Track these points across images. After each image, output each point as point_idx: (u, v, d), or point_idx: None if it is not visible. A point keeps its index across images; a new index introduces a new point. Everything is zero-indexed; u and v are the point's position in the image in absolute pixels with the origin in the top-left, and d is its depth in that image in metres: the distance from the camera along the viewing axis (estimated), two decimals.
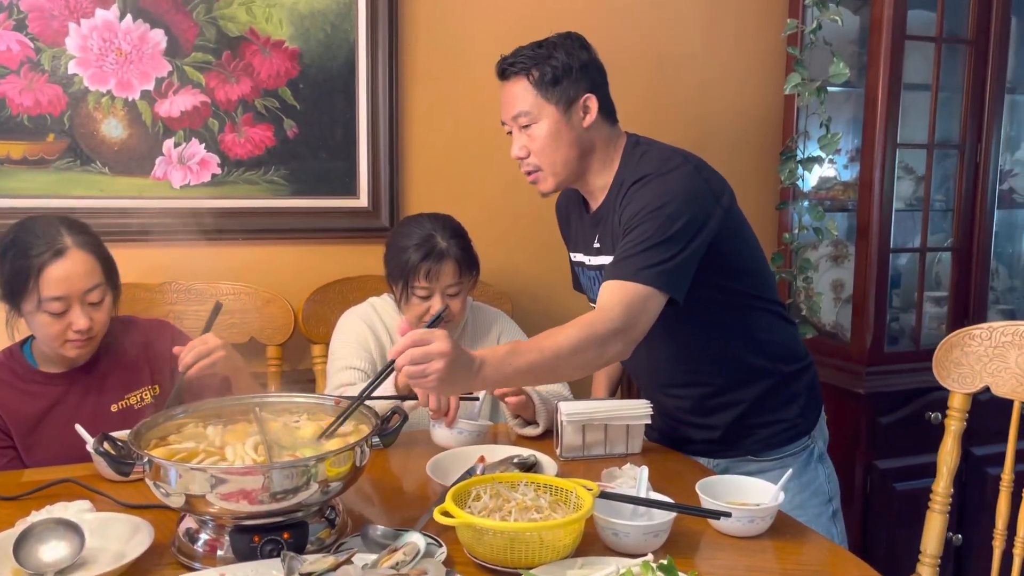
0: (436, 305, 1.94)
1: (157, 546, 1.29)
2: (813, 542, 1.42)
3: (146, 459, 1.26)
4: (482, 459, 1.69)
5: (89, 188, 2.16)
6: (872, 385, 2.50)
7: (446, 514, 1.27)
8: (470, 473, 1.55)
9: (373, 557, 1.21)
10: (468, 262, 1.99)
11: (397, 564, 1.18)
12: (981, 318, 2.65)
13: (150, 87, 2.17)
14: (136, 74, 2.15)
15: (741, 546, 1.40)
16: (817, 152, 2.60)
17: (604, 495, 1.38)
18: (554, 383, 1.91)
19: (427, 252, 1.94)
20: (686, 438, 1.84)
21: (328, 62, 2.29)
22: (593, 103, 1.68)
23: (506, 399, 1.83)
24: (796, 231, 2.66)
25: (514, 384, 1.46)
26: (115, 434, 1.59)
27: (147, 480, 1.28)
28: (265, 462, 1.30)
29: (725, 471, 1.79)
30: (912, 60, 2.48)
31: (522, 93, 1.65)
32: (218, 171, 2.24)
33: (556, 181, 1.70)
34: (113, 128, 2.16)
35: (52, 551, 1.26)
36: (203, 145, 2.22)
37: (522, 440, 1.87)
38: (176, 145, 2.21)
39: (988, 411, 2.66)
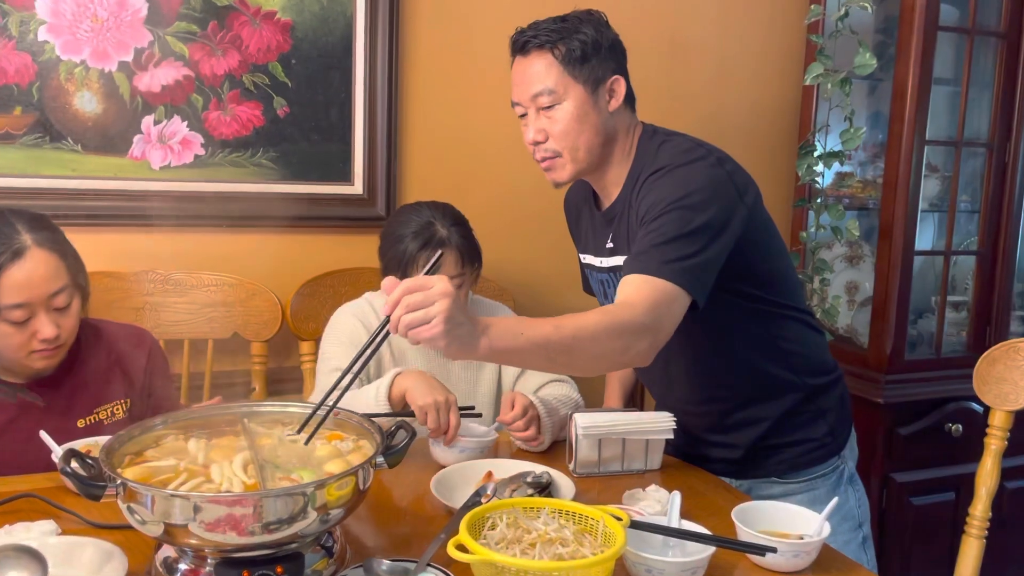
0: None
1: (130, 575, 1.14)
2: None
3: (119, 482, 1.10)
4: (489, 475, 1.55)
5: (59, 167, 1.98)
6: (891, 394, 2.38)
7: (461, 548, 1.12)
8: (479, 494, 1.40)
9: None
10: (470, 252, 1.83)
11: None
12: (1004, 325, 2.54)
13: (128, 58, 1.99)
14: (113, 43, 1.97)
15: None
16: (837, 147, 2.47)
17: (634, 524, 1.23)
18: (568, 372, 1.74)
19: (426, 240, 1.78)
20: (704, 456, 1.70)
21: (323, 36, 2.12)
22: (621, 86, 1.53)
23: (514, 432, 1.69)
24: (813, 230, 2.52)
25: (523, 359, 1.27)
26: (82, 444, 1.45)
27: (120, 504, 1.12)
28: (257, 486, 1.15)
29: (747, 492, 1.66)
30: (938, 53, 2.35)
31: (545, 70, 1.48)
32: (201, 152, 2.07)
33: (575, 170, 1.55)
34: (87, 102, 1.98)
35: None
36: (186, 123, 2.05)
37: (526, 452, 1.73)
38: (156, 122, 2.03)
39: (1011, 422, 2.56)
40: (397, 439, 1.26)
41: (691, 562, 1.20)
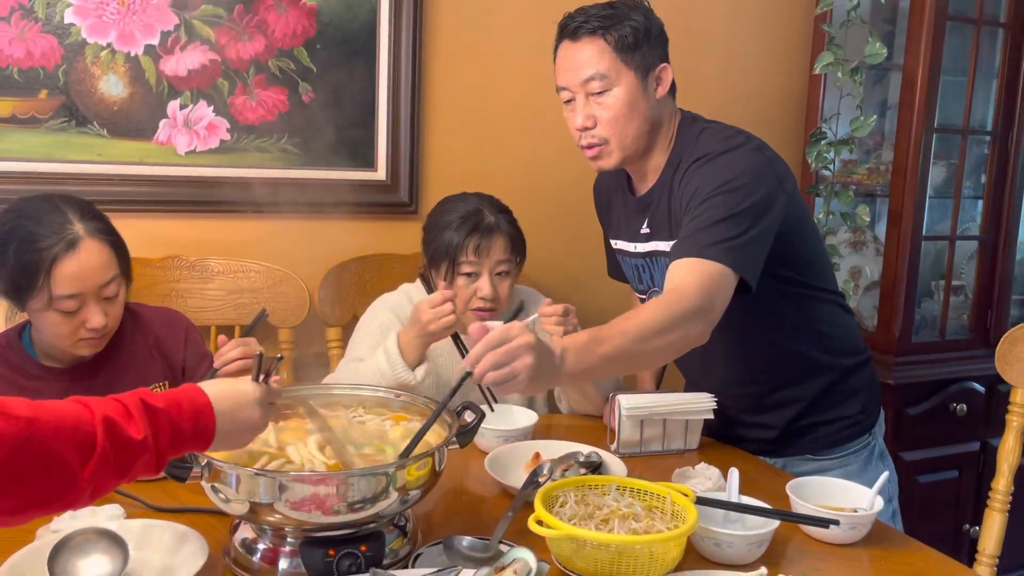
0: (485, 287, 1.79)
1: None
2: (912, 549, 1.34)
3: (204, 462, 1.10)
4: (537, 456, 1.57)
5: (85, 152, 1.95)
6: (900, 376, 2.44)
7: (540, 523, 1.15)
8: (537, 474, 1.42)
9: (481, 572, 1.08)
10: (517, 239, 1.84)
11: None
12: (1004, 308, 2.62)
13: (155, 41, 1.96)
14: (139, 26, 1.95)
15: (838, 554, 1.31)
16: (844, 135, 2.52)
17: (700, 500, 1.27)
18: (638, 371, 1.77)
19: (475, 225, 1.78)
20: (740, 436, 1.74)
21: (348, 22, 2.11)
22: (668, 74, 1.56)
23: (548, 322, 1.69)
24: (821, 216, 2.58)
25: (595, 375, 1.30)
26: None
27: (204, 484, 1.13)
28: (338, 465, 1.16)
29: (782, 469, 1.71)
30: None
31: (598, 55, 1.50)
32: (227, 137, 2.06)
33: (622, 156, 1.57)
34: (113, 86, 1.95)
35: (94, 566, 1.10)
36: (211, 108, 2.03)
37: (567, 431, 1.75)
38: (182, 107, 2.01)
39: (1006, 401, 2.65)
40: (465, 419, 1.28)
41: (758, 535, 1.23)
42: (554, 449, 1.58)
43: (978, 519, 2.64)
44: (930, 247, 2.63)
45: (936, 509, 2.56)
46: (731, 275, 1.39)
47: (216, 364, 1.47)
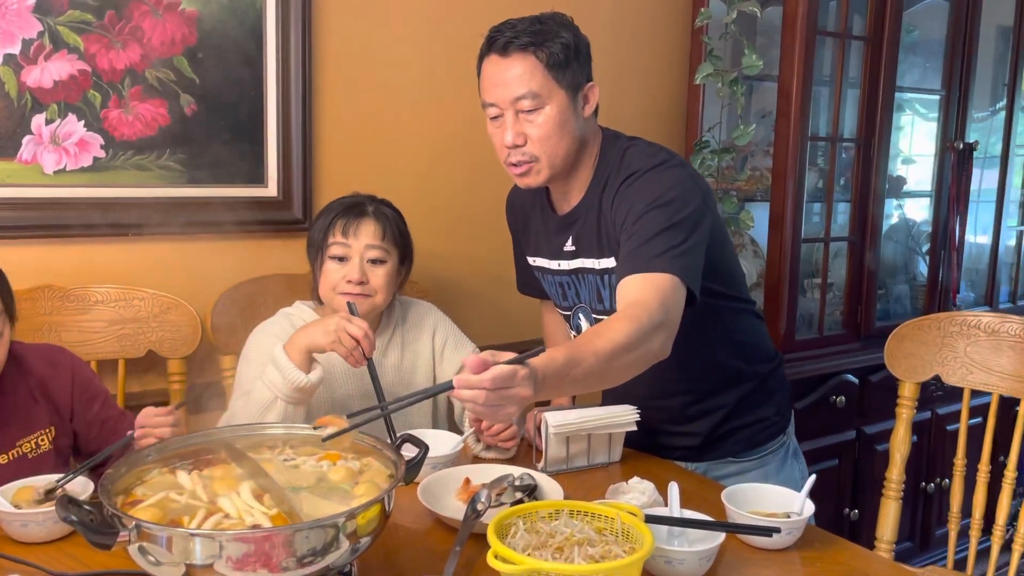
0: (353, 270, 1.70)
1: None
2: (840, 548, 1.39)
3: (132, 524, 0.99)
4: (467, 481, 1.53)
5: None
6: (789, 373, 2.54)
7: (498, 558, 1.11)
8: (475, 502, 1.38)
9: None
10: (394, 229, 1.77)
11: None
12: (872, 304, 2.79)
13: (15, 50, 1.77)
14: None
15: (775, 559, 1.35)
16: (722, 143, 2.61)
17: (649, 519, 1.26)
18: (600, 389, 1.75)
19: (347, 208, 1.74)
20: (663, 446, 1.76)
21: (232, 29, 1.98)
22: (595, 93, 1.55)
23: (491, 438, 1.68)
24: None
25: (563, 395, 1.27)
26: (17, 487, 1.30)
27: (131, 549, 1.01)
28: (281, 516, 1.07)
29: (704, 474, 1.74)
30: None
31: (529, 73, 1.47)
32: (101, 154, 1.88)
33: (550, 174, 1.55)
34: None
35: None
36: (82, 123, 1.86)
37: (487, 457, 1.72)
38: (48, 122, 1.82)
39: (877, 391, 2.84)
40: (407, 452, 1.22)
41: (708, 550, 1.25)
42: (483, 473, 1.54)
43: (856, 503, 2.83)
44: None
45: (821, 497, 2.69)
46: (680, 285, 1.40)
47: (137, 434, 1.34)
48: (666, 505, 1.42)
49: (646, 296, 1.36)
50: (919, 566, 2.56)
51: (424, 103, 2.28)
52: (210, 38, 1.96)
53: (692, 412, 1.71)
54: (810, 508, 1.40)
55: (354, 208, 1.74)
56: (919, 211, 3.22)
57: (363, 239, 1.72)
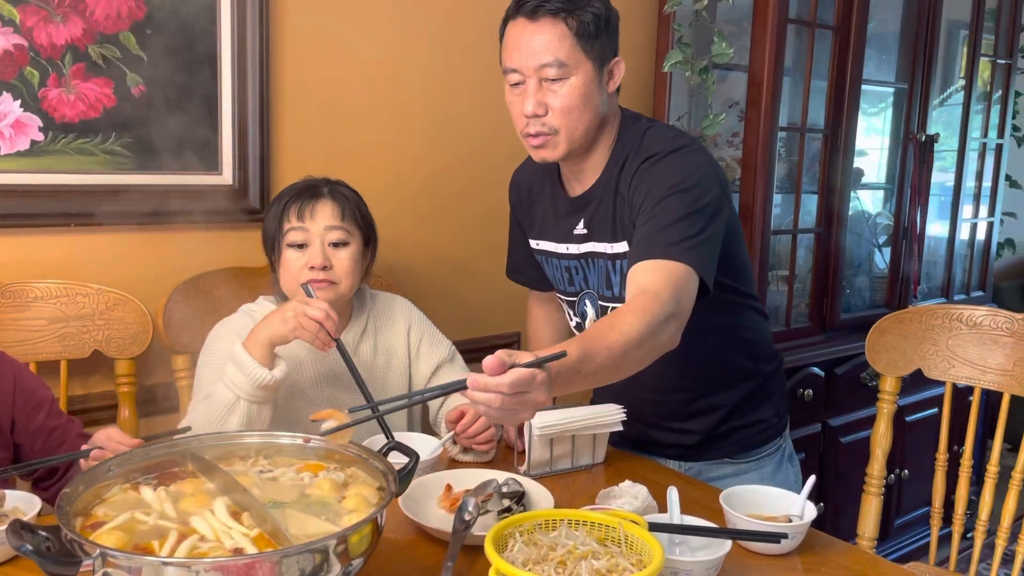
0: (315, 255, 1.57)
1: None
2: (840, 551, 1.34)
3: (97, 552, 0.88)
4: (449, 488, 1.44)
5: None
6: None
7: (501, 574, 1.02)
8: (463, 510, 1.29)
9: None
10: (356, 210, 1.65)
11: None
12: (837, 295, 2.78)
13: None
14: None
15: (777, 564, 1.29)
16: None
17: (653, 527, 1.19)
18: (609, 383, 1.68)
19: (300, 191, 1.63)
20: (657, 443, 1.70)
21: (183, 3, 1.84)
22: (620, 69, 1.49)
23: (467, 440, 1.59)
24: None
25: (572, 391, 1.20)
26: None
27: None
28: (264, 537, 0.97)
29: (698, 475, 1.69)
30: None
31: (558, 40, 1.39)
32: (39, 137, 1.73)
33: (568, 149, 1.47)
34: None
35: None
36: (18, 102, 1.70)
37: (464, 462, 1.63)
38: None
39: (842, 384, 2.83)
40: (396, 461, 1.13)
41: (716, 559, 1.18)
42: (464, 479, 1.46)
43: (821, 497, 2.82)
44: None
45: None
46: (694, 275, 1.34)
47: (94, 455, 1.22)
48: (658, 510, 1.36)
49: (658, 285, 1.30)
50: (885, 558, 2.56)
51: (390, 85, 2.17)
52: (159, 12, 1.82)
53: (692, 409, 1.65)
54: (812, 511, 1.34)
55: (308, 190, 1.63)
56: (873, 203, 3.23)
57: (321, 220, 1.60)
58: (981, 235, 3.41)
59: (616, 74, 1.49)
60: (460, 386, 1.03)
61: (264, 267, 1.96)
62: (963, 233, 3.31)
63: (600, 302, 1.60)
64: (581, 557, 1.10)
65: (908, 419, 2.97)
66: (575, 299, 1.65)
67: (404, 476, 1.11)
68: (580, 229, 1.57)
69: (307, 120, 2.05)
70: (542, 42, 1.40)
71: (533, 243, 1.70)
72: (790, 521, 1.33)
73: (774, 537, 1.24)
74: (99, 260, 1.81)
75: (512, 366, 1.00)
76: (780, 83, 2.44)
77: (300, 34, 2.01)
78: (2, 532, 1.09)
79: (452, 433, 1.59)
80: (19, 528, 0.88)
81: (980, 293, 3.43)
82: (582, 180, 1.56)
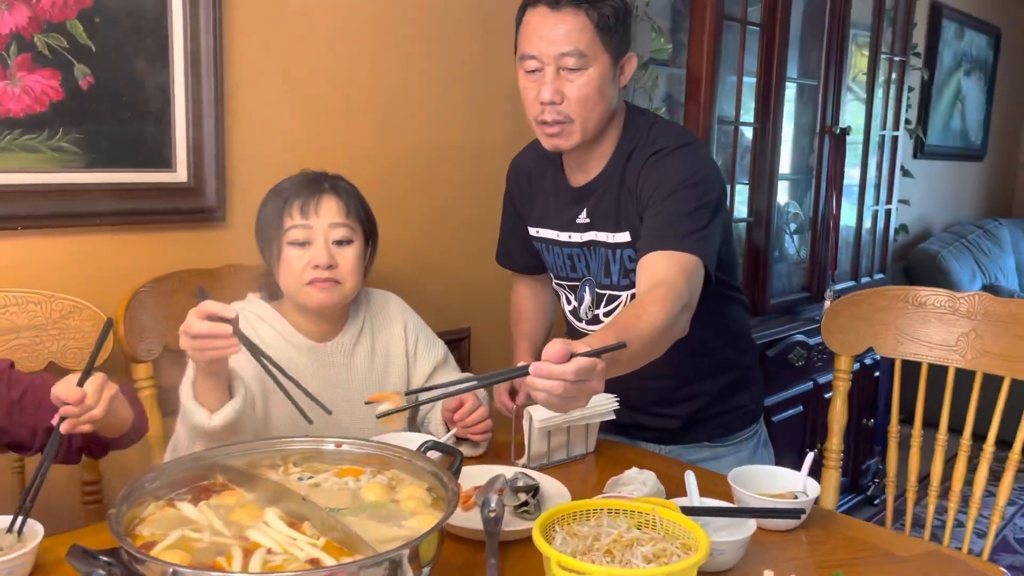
0: (320, 253, 1.50)
1: None
2: (841, 524, 1.42)
3: (171, 572, 0.83)
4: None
5: None
6: None
7: (567, 568, 1.02)
8: (486, 507, 1.28)
9: None
10: (359, 207, 1.59)
11: None
12: (767, 283, 2.91)
13: None
14: None
15: (788, 540, 1.35)
16: None
17: (686, 511, 1.22)
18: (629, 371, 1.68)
19: (301, 186, 1.55)
20: (640, 426, 1.74)
21: None
22: (631, 64, 1.53)
23: (465, 428, 1.58)
24: None
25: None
26: None
27: None
28: (334, 544, 0.93)
29: (678, 458, 1.73)
30: None
31: (579, 30, 1.41)
32: None
33: (581, 139, 1.50)
34: None
35: None
36: None
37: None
38: None
39: (773, 365, 2.97)
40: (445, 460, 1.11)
41: (745, 539, 1.22)
42: (472, 475, 1.44)
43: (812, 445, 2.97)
44: None
45: (788, 444, 2.91)
46: (702, 267, 1.41)
47: (64, 426, 1.15)
48: (668, 495, 1.39)
49: (673, 275, 1.35)
50: None
51: (351, 85, 2.11)
52: (109, 0, 1.71)
53: (679, 395, 1.70)
54: (815, 487, 1.41)
55: (310, 185, 1.55)
56: (783, 194, 3.39)
57: (325, 217, 1.53)
58: (881, 222, 3.64)
59: (627, 69, 1.53)
60: (522, 372, 1.04)
61: (221, 268, 1.89)
62: (867, 221, 3.52)
63: (597, 289, 1.63)
64: (627, 545, 1.12)
65: (826, 396, 3.14)
66: (577, 284, 1.68)
67: (453, 472, 1.09)
68: (583, 218, 1.60)
69: (267, 114, 1.96)
70: (563, 32, 1.42)
71: (532, 231, 1.71)
72: (796, 498, 1.38)
73: (794, 513, 1.29)
74: (49, 265, 1.69)
75: (573, 355, 1.01)
76: (718, 79, 2.53)
77: (259, 18, 1.93)
78: (16, 557, 1.01)
79: (452, 433, 1.57)
80: (81, 554, 0.82)
81: (882, 275, 3.66)
82: (586, 170, 1.59)
